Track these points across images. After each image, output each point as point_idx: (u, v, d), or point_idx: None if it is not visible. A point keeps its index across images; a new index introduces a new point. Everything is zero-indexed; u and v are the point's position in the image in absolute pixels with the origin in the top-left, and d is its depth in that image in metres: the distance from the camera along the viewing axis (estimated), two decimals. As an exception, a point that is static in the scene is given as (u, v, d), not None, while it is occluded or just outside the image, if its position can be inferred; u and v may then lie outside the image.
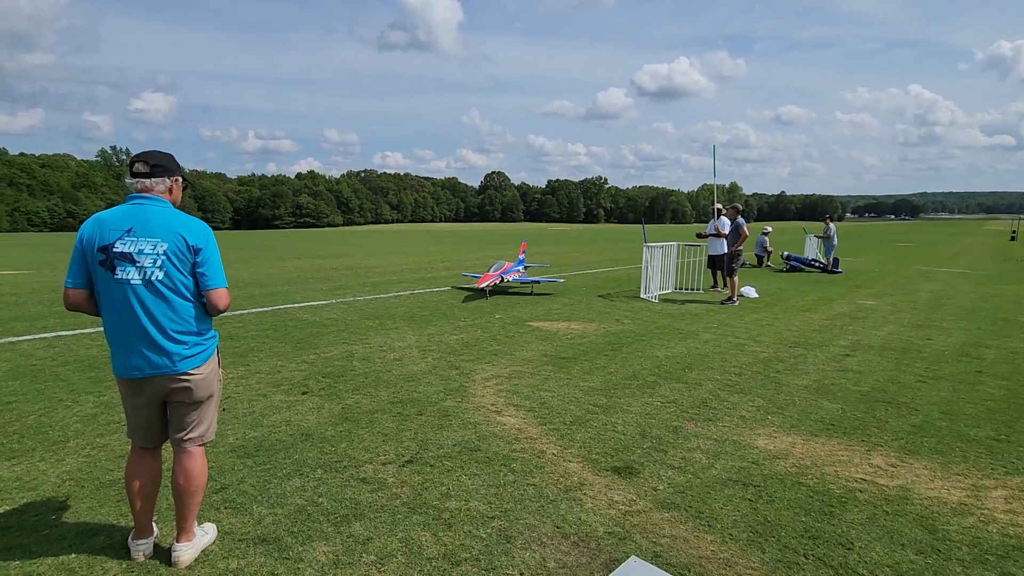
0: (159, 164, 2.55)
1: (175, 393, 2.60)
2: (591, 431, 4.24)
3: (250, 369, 5.87)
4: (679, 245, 13.25)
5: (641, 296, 11.31)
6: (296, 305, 10.09)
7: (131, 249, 2.45)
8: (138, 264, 2.45)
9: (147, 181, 2.53)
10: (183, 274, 2.50)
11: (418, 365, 6.08)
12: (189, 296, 2.54)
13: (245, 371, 5.79)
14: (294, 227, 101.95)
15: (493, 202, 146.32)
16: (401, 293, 11.84)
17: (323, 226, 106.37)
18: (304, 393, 5.09)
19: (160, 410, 2.66)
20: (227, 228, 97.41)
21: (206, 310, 2.61)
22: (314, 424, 4.34)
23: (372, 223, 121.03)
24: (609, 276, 15.73)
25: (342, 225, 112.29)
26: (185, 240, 2.49)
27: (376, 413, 4.59)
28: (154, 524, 2.83)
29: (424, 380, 5.53)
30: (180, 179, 2.64)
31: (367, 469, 3.59)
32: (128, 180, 2.53)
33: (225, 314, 8.98)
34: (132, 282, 2.45)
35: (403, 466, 3.63)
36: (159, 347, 2.50)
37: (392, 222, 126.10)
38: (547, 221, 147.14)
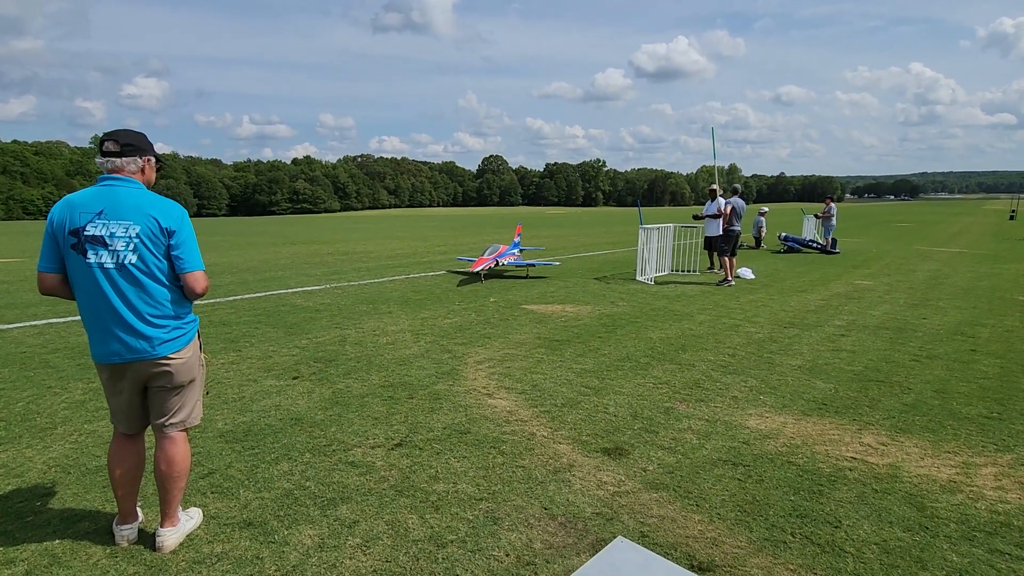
0: (130, 143, 2.48)
1: (156, 378, 2.57)
2: (582, 413, 4.23)
3: (241, 355, 5.84)
4: (675, 227, 13.19)
5: (637, 278, 11.27)
6: (290, 291, 10.05)
7: (103, 232, 2.39)
8: (111, 247, 2.39)
9: (117, 161, 2.46)
10: (157, 257, 2.45)
11: (410, 349, 6.06)
12: (164, 280, 2.49)
13: (236, 356, 5.77)
14: (291, 213, 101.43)
15: (491, 186, 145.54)
16: (396, 278, 11.79)
17: (320, 212, 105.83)
18: (295, 378, 5.07)
19: (141, 395, 2.63)
20: (223, 215, 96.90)
21: (183, 294, 2.56)
22: (304, 409, 4.32)
23: (369, 208, 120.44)
24: (606, 259, 15.68)
25: (339, 211, 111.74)
26: (158, 222, 2.43)
27: (367, 397, 4.57)
28: (139, 509, 2.81)
29: (416, 364, 5.51)
30: (152, 159, 2.57)
31: (356, 453, 3.58)
32: (98, 160, 2.46)
33: (219, 300, 8.96)
34: (105, 266, 2.40)
35: (392, 449, 3.62)
36: (137, 331, 2.46)
37: (390, 207, 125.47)
38: (545, 205, 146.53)
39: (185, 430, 2.71)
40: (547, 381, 4.97)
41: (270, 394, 4.64)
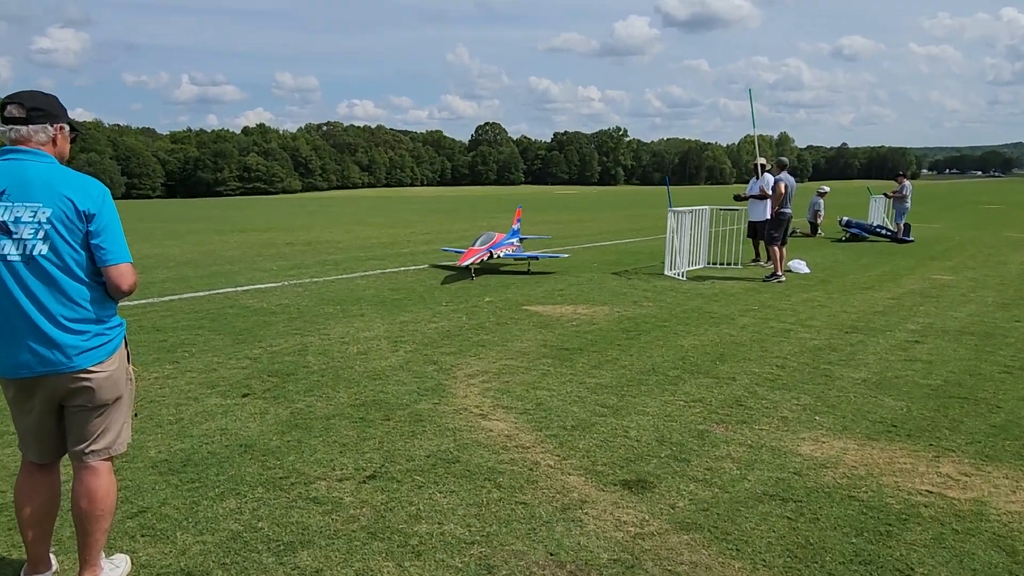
0: (38, 107, 2.48)
1: (73, 395, 2.57)
2: (597, 437, 4.24)
3: (179, 367, 5.86)
4: (712, 210, 13.20)
5: (665, 273, 11.28)
6: (239, 289, 10.07)
7: (5, 217, 2.38)
8: (15, 236, 2.39)
9: (23, 129, 2.46)
10: (73, 248, 2.44)
11: (387, 360, 6.08)
12: (83, 275, 2.48)
13: (173, 369, 5.79)
14: (241, 194, 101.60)
15: (487, 160, 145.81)
16: (370, 272, 11.81)
17: (276, 192, 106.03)
18: (245, 395, 5.08)
19: (56, 416, 2.63)
20: (159, 196, 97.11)
21: (106, 292, 2.56)
22: (256, 433, 4.34)
23: (337, 188, 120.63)
24: (627, 249, 15.69)
25: (300, 191, 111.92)
26: (74, 204, 2.43)
27: (333, 419, 4.58)
28: (52, 556, 2.82)
29: (394, 378, 5.52)
30: (66, 127, 2.57)
31: (319, 487, 3.59)
32: (0, 128, 2.47)
33: (152, 300, 8.99)
34: (9, 258, 2.40)
35: (363, 482, 3.64)
36: (49, 339, 2.45)
37: (362, 187, 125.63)
38: (553, 183, 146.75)
39: (110, 459, 2.71)
40: (554, 399, 4.98)
41: (214, 415, 4.66)
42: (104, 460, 2.70)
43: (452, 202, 54.23)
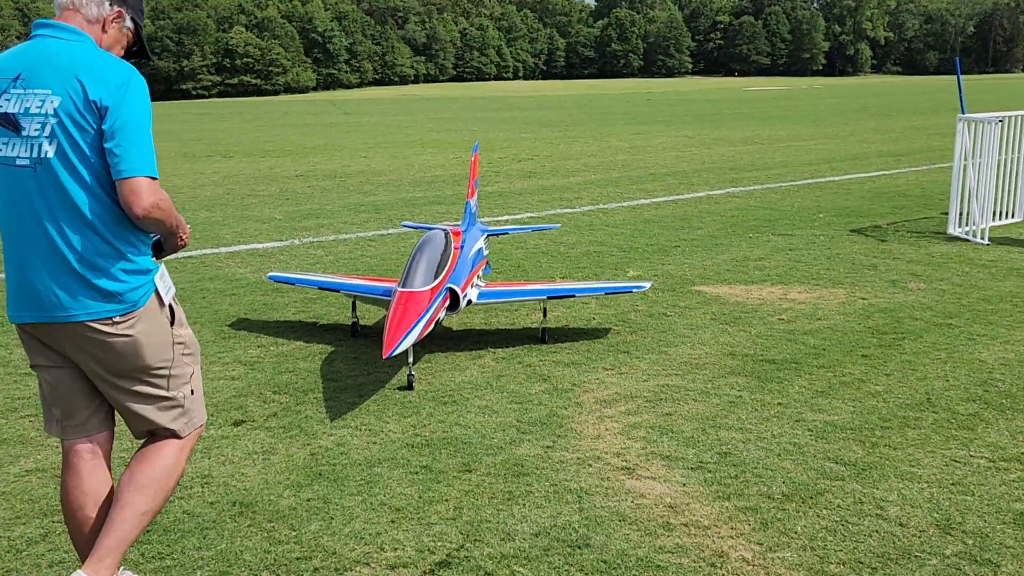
0: None
1: (97, 358, 2.97)
2: (829, 516, 4.14)
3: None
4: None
5: (951, 232, 10.90)
6: (224, 250, 10.43)
7: (14, 108, 2.77)
8: (24, 132, 2.77)
9: None
10: (84, 150, 2.78)
11: (464, 371, 6.15)
12: (100, 189, 2.82)
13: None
14: (220, 94, 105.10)
15: (625, 34, 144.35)
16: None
17: (276, 91, 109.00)
18: (239, 423, 5.25)
19: (83, 377, 3.09)
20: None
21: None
22: (258, 484, 4.47)
23: (376, 84, 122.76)
24: (877, 189, 15.18)
25: (315, 88, 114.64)
26: (84, 91, 2.76)
27: (380, 464, 4.68)
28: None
29: (478, 400, 5.56)
30: (126, 17, 3.02)
31: (359, 575, 3.70)
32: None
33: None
34: (19, 162, 2.79)
35: (431, 572, 3.69)
36: (59, 273, 2.85)
37: (416, 80, 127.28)
38: (742, 73, 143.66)
39: (181, 438, 3.37)
40: (750, 445, 4.89)
41: (192, 452, 4.83)
42: (172, 437, 3.35)
43: (568, 105, 54.04)
